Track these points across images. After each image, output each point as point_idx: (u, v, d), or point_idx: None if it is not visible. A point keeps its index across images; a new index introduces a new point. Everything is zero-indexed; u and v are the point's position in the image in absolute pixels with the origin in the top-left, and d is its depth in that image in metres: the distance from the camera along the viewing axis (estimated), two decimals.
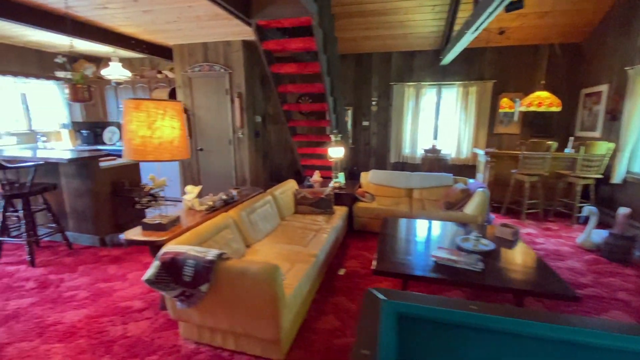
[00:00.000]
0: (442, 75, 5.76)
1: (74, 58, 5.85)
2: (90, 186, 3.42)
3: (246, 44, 4.77)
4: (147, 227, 2.12)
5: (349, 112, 6.20)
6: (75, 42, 4.89)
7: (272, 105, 6.12)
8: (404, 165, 6.19)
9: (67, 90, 3.24)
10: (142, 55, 5.53)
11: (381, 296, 1.11)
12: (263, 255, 2.49)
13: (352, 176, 5.58)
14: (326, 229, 3.08)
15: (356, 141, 6.34)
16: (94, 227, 3.52)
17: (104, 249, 3.44)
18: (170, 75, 5.53)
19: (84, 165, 3.35)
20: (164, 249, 1.77)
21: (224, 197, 2.77)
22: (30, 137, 5.28)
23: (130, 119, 1.86)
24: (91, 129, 6.12)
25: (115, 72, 4.34)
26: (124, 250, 3.42)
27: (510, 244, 2.57)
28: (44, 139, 5.39)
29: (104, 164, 3.53)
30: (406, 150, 6.10)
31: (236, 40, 4.68)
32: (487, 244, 2.43)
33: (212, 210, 2.58)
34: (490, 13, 2.80)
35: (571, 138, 4.88)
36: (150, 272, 1.68)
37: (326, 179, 4.52)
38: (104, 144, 6.23)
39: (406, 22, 4.79)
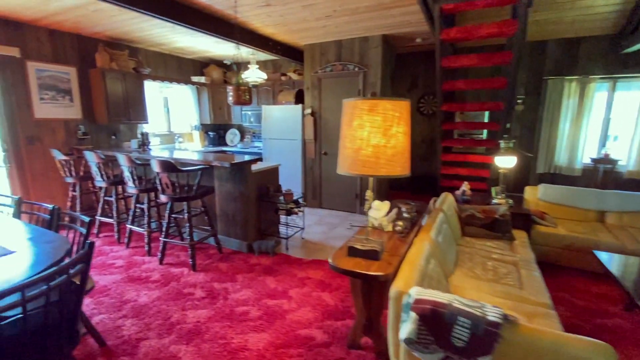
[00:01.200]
0: (621, 66, 4.52)
1: (205, 63, 6.17)
2: (242, 190, 3.32)
3: (385, 39, 4.34)
4: (356, 253, 1.74)
5: (486, 112, 5.33)
6: (211, 47, 5.04)
7: None
8: (555, 177, 5.08)
9: (230, 93, 3.18)
10: (271, 57, 5.53)
11: None
12: (473, 295, 1.95)
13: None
14: (525, 263, 2.40)
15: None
16: (242, 232, 3.42)
17: (252, 256, 3.31)
18: (294, 77, 5.42)
19: (239, 169, 3.26)
20: (414, 294, 1.34)
21: (406, 214, 2.31)
22: (169, 138, 5.68)
23: (361, 123, 1.49)
24: (216, 130, 6.41)
25: (254, 74, 4.28)
26: (272, 259, 3.24)
27: None
28: (181, 139, 5.75)
29: (253, 167, 3.41)
30: (561, 158, 4.99)
31: (375, 36, 4.27)
32: None
33: (406, 234, 2.13)
34: None
35: None
36: (410, 329, 1.26)
37: (475, 192, 3.80)
38: (226, 145, 6.46)
39: (574, 1, 3.79)
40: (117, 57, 4.53)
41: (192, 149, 5.78)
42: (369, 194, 2.22)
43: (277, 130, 5.23)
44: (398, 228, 2.11)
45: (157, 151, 4.19)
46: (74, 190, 4.01)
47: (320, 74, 4.73)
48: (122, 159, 3.15)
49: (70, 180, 3.84)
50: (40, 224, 2.24)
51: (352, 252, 1.76)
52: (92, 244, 1.39)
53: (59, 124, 4.16)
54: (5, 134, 3.71)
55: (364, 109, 1.50)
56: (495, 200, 3.43)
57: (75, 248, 1.91)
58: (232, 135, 6.48)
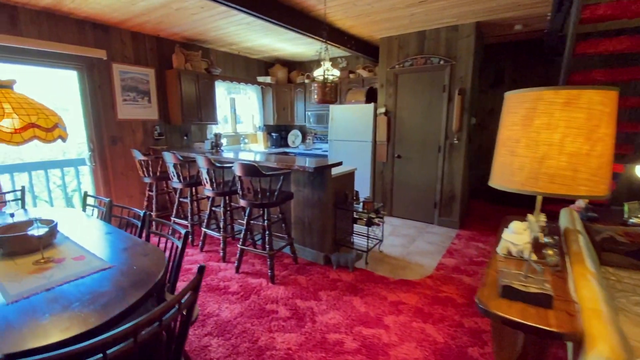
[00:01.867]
0: None
1: (270, 63, 6.05)
2: (321, 196, 3.03)
3: (479, 27, 3.79)
4: (517, 295, 1.32)
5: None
6: (282, 45, 4.87)
7: (487, 103, 4.98)
8: None
9: (316, 91, 2.91)
10: (340, 54, 5.24)
11: None
12: None
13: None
14: None
15: None
16: (319, 241, 3.14)
17: (330, 270, 3.01)
18: (364, 74, 5.06)
19: (318, 173, 2.98)
20: None
21: (549, 239, 1.81)
22: (235, 139, 5.65)
23: (550, 122, 1.07)
24: (278, 131, 6.28)
25: (326, 71, 3.99)
26: (353, 275, 2.91)
27: None
28: (246, 141, 5.69)
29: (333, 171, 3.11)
30: None
31: (467, 24, 3.75)
32: None
33: (562, 267, 1.65)
34: None
35: None
36: None
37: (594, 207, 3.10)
38: (287, 146, 6.31)
39: None
40: (192, 58, 4.54)
41: (256, 150, 5.70)
42: (517, 226, 1.78)
43: (345, 131, 4.91)
44: (551, 260, 1.63)
45: (227, 153, 4.09)
46: (151, 190, 4.05)
47: (398, 69, 4.30)
48: (201, 161, 3.04)
49: (147, 180, 3.88)
50: (128, 228, 2.13)
51: (510, 293, 1.33)
52: (202, 269, 1.15)
53: (138, 125, 4.26)
54: (92, 134, 3.84)
55: (556, 102, 1.08)
56: (633, 220, 2.75)
57: (167, 254, 1.74)
58: (293, 137, 6.30)
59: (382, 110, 4.47)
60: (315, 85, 2.88)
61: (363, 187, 4.83)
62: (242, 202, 2.75)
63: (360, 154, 4.80)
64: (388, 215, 4.73)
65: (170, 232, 1.85)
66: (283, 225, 3.02)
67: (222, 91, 5.22)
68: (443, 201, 4.24)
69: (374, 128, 4.64)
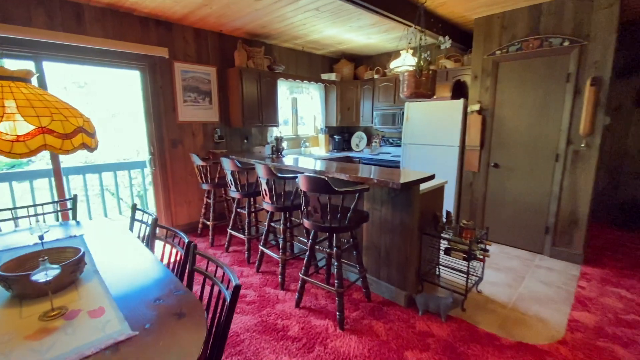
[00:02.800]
0: None
1: (335, 59, 5.51)
2: (404, 218, 2.36)
3: None
4: None
5: None
6: (351, 35, 4.27)
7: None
8: None
9: (406, 82, 2.26)
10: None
11: None
12: None
13: None
14: None
15: None
16: (399, 276, 2.47)
17: (415, 315, 2.32)
18: (449, 65, 4.22)
19: (405, 189, 2.31)
20: None
21: None
22: (296, 142, 5.23)
23: None
24: (341, 134, 5.72)
25: (406, 62, 3.29)
26: (447, 328, 2.18)
27: None
28: (307, 144, 5.24)
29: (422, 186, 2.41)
30: None
31: None
32: None
33: None
34: None
35: None
36: None
37: None
38: (351, 149, 5.72)
39: None
40: (254, 55, 4.20)
41: (317, 155, 5.20)
42: None
43: (423, 134, 4.12)
44: None
45: (288, 158, 3.63)
46: (209, 198, 3.78)
47: (499, 55, 3.41)
48: (260, 170, 2.58)
49: (205, 187, 3.59)
50: (173, 259, 1.72)
51: None
52: None
53: (198, 127, 4.03)
54: (153, 137, 3.67)
55: None
56: None
57: (212, 308, 1.26)
58: (357, 139, 5.68)
59: (475, 107, 3.61)
60: (406, 75, 2.21)
61: (446, 201, 3.99)
62: (306, 223, 2.21)
63: (443, 161, 3.98)
64: None
65: (215, 274, 1.37)
66: (355, 253, 2.41)
67: (284, 91, 4.82)
68: (559, 226, 3.23)
69: (463, 130, 3.79)
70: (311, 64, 5.28)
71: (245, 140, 4.52)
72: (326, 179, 1.98)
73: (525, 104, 3.32)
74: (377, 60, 5.37)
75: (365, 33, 4.10)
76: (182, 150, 3.92)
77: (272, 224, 2.97)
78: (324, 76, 5.25)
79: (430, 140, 4.06)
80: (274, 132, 4.80)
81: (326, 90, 5.42)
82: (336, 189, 2.00)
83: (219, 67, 4.10)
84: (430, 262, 2.70)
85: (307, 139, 5.37)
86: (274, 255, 2.77)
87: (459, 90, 4.00)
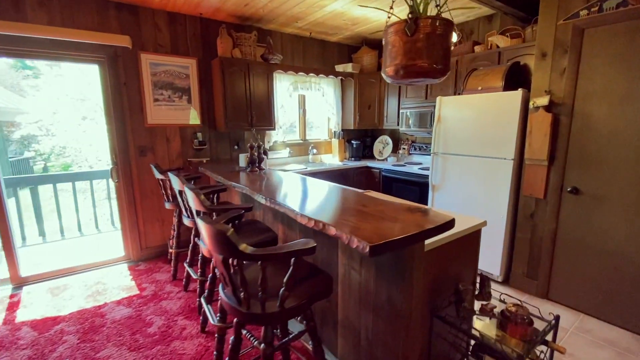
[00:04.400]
0: None
1: (355, 47, 4.52)
2: (393, 293, 1.35)
3: None
4: None
5: None
6: (359, 12, 3.26)
7: None
8: None
9: (389, 46, 1.24)
10: (463, 18, 3.31)
11: None
12: None
13: None
14: None
15: None
16: None
17: None
18: (502, 43, 3.00)
19: (380, 251, 1.29)
20: None
21: None
22: (303, 148, 4.35)
23: None
24: (361, 138, 4.70)
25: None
26: None
27: None
28: (315, 151, 4.33)
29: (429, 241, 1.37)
30: None
31: None
32: None
33: None
34: None
35: None
36: None
37: None
38: (372, 157, 4.67)
39: None
40: (242, 42, 3.41)
41: (327, 164, 4.26)
42: None
43: (461, 140, 2.95)
44: None
45: (263, 174, 2.76)
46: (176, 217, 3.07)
47: (586, 18, 2.15)
48: (190, 197, 1.76)
49: (168, 205, 2.88)
50: None
51: None
52: None
53: (174, 131, 3.36)
54: (115, 143, 3.08)
55: None
56: None
57: None
58: (381, 145, 4.60)
59: (542, 101, 2.37)
60: (390, 32, 1.18)
61: (492, 241, 2.78)
62: (222, 299, 1.31)
63: (488, 180, 2.78)
64: (539, 295, 2.57)
65: None
66: (312, 341, 1.45)
67: (285, 86, 3.97)
68: None
69: (522, 135, 2.57)
70: (325, 55, 4.36)
71: (236, 147, 3.76)
72: (228, 234, 1.06)
73: (633, 95, 2.03)
74: None
75: (383, 4, 3.07)
76: (153, 158, 3.28)
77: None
78: (338, 68, 4.29)
79: (471, 149, 2.88)
80: (273, 136, 3.97)
81: (343, 86, 4.45)
82: (244, 251, 1.07)
83: (200, 58, 3.39)
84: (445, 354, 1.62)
85: (316, 145, 4.46)
86: (211, 321, 1.91)
87: (517, 77, 2.76)
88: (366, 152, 4.71)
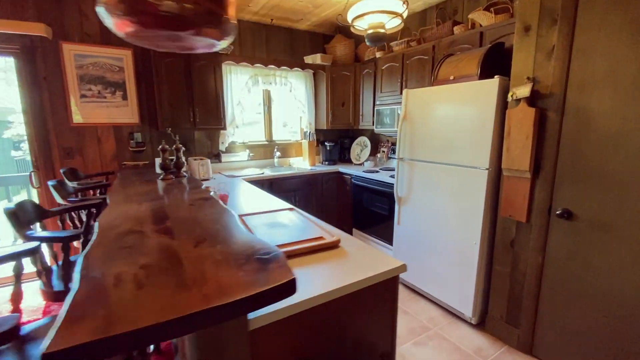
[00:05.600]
0: None
1: (329, 36, 4.00)
2: None
3: None
4: None
5: None
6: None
7: None
8: None
9: None
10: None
11: None
12: None
13: None
14: None
15: None
16: None
17: None
18: (485, 21, 2.37)
19: None
20: None
21: None
22: (269, 150, 3.88)
23: None
24: (337, 140, 4.15)
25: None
26: None
27: None
28: (279, 154, 3.84)
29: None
30: None
31: None
32: None
33: None
34: None
35: None
36: None
37: None
38: (349, 162, 4.11)
39: None
40: None
41: (298, 168, 3.77)
42: None
43: (429, 143, 2.35)
44: None
45: (193, 181, 2.31)
46: None
47: None
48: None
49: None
50: None
51: None
52: None
53: (107, 131, 3.00)
54: (34, 145, 2.75)
55: None
56: None
57: None
58: (359, 148, 4.04)
59: (524, 91, 1.75)
60: None
61: (461, 271, 2.17)
62: None
63: (460, 194, 2.17)
64: (524, 351, 1.95)
65: None
66: None
67: (244, 80, 3.50)
68: None
69: (498, 137, 1.96)
70: (294, 45, 3.86)
71: (183, 149, 3.34)
72: None
73: None
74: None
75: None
76: (82, 161, 2.93)
77: None
78: (307, 59, 3.77)
79: (440, 154, 2.28)
80: (229, 137, 3.53)
81: (316, 80, 3.93)
82: None
83: (137, 49, 3.01)
84: None
85: (285, 147, 3.97)
86: None
87: (499, 62, 2.14)
88: (344, 155, 4.16)
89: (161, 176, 2.24)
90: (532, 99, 1.75)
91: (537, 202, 1.80)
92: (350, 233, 3.63)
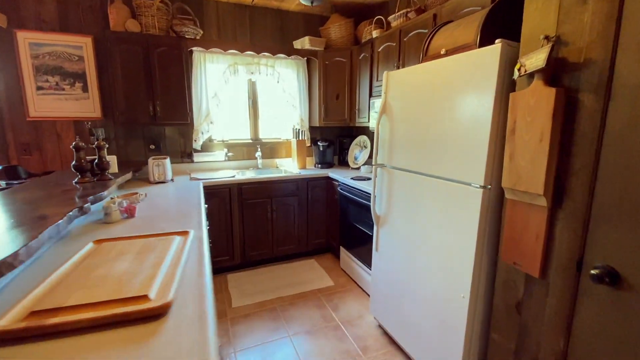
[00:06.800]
0: None
1: (324, 17, 3.42)
2: None
3: None
4: None
5: None
6: None
7: None
8: None
9: None
10: None
11: None
12: None
13: None
14: None
15: None
16: None
17: None
18: None
19: None
20: None
21: None
22: (252, 150, 3.42)
23: None
24: (334, 138, 3.56)
25: None
26: None
27: None
28: (260, 154, 3.35)
29: None
30: None
31: None
32: None
33: None
34: None
35: None
36: None
37: None
38: (345, 165, 3.49)
39: None
40: (142, 11, 2.64)
41: (285, 171, 3.27)
42: None
43: (410, 146, 1.68)
44: None
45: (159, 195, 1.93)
46: None
47: None
48: None
49: None
50: None
51: None
52: None
53: (66, 126, 2.77)
54: None
55: None
56: None
57: None
58: (358, 148, 3.40)
59: (538, 60, 1.04)
60: None
61: (445, 334, 1.49)
62: None
63: (446, 219, 1.48)
64: None
65: None
66: None
67: (221, 69, 3.07)
68: None
69: (498, 136, 1.25)
70: (284, 29, 3.34)
71: (153, 146, 3.03)
72: None
73: None
74: (393, 9, 2.96)
75: None
76: (40, 158, 2.73)
77: None
78: (297, 43, 3.23)
79: (423, 162, 1.60)
80: (204, 133, 3.13)
81: (309, 70, 3.38)
82: None
83: (97, 36, 2.73)
84: None
85: (274, 146, 3.48)
86: None
87: (507, 24, 1.41)
88: (342, 156, 3.55)
89: (75, 180, 1.88)
90: (553, 73, 1.03)
91: (558, 248, 1.07)
92: (338, 252, 3.03)
